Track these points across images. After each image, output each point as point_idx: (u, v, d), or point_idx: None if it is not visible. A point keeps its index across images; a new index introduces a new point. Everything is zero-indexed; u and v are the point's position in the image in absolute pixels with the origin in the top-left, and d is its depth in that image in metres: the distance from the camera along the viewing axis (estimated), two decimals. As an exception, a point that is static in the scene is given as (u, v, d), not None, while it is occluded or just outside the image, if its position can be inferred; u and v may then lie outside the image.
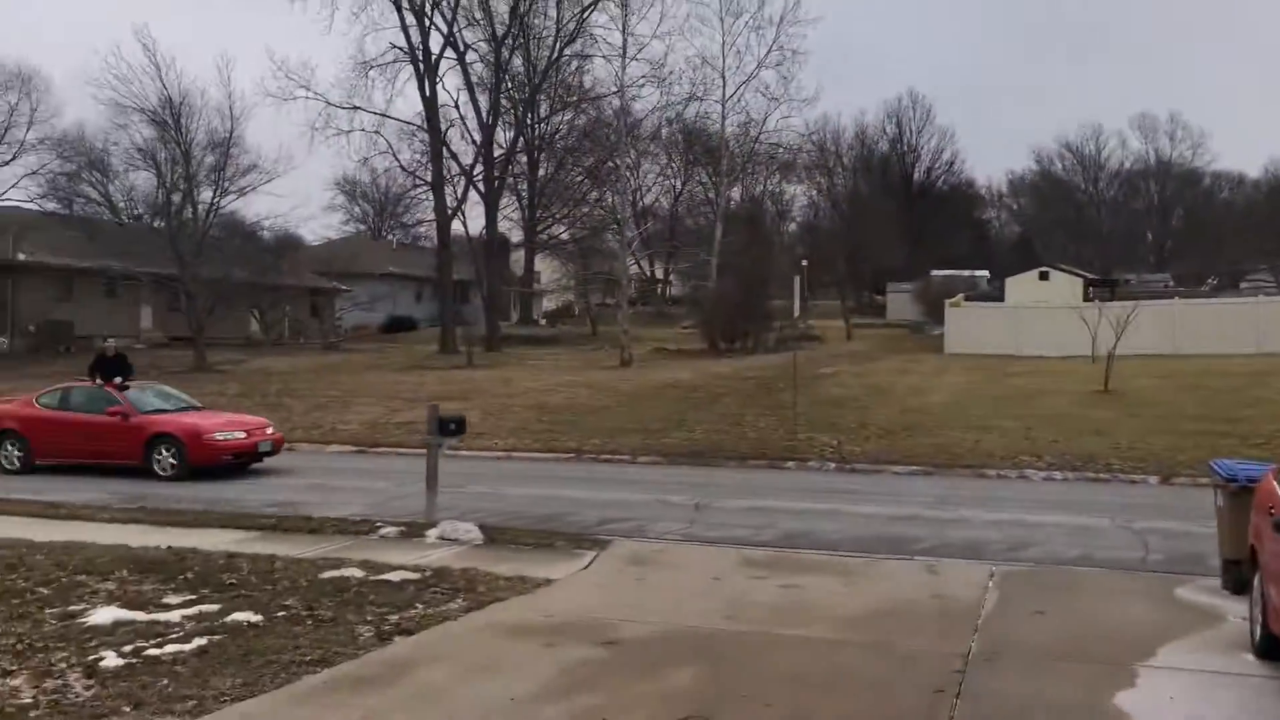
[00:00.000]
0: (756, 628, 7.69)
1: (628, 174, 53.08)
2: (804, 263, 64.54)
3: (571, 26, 46.08)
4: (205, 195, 36.05)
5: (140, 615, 7.79)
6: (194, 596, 8.46)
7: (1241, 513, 8.06)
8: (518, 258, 60.70)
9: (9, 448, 17.68)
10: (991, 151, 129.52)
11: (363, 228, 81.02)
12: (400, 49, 43.70)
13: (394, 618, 7.82)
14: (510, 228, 56.24)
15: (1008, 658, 6.90)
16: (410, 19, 43.54)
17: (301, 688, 6.25)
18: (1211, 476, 9.35)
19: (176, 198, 36.08)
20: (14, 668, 6.49)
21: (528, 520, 12.74)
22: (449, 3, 44.60)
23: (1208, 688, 6.30)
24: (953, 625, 7.73)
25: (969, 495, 14.92)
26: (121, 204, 39.84)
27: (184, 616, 7.81)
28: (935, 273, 58.23)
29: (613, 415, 23.74)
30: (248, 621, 7.63)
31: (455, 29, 44.84)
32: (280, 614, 7.89)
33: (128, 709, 5.79)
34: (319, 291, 51.65)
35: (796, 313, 24.74)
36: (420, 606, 8.20)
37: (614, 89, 42.18)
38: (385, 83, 60.59)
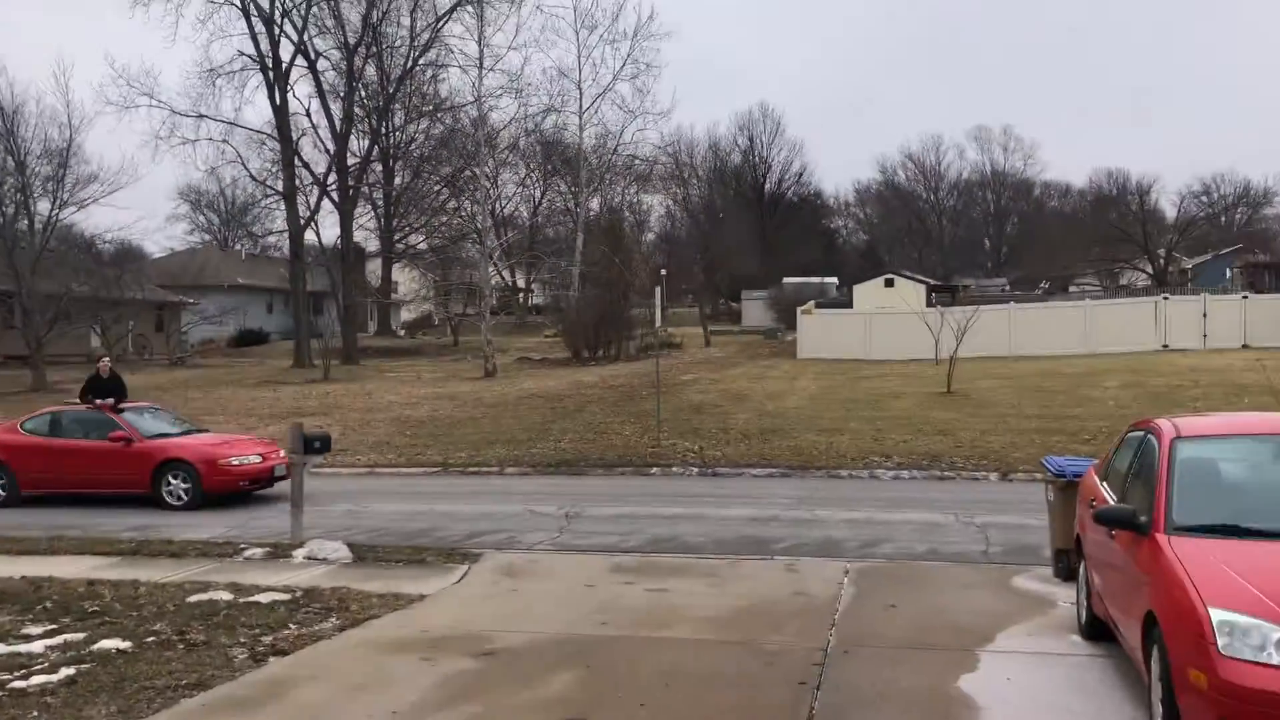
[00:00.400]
0: (628, 631, 7.99)
1: (486, 183, 52.95)
2: (663, 272, 65.59)
3: (426, 36, 45.87)
4: (43, 207, 34.41)
5: (0, 648, 7.59)
6: (55, 626, 8.26)
7: (1069, 505, 8.78)
8: (374, 268, 59.79)
9: None
10: (839, 162, 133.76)
11: (209, 238, 78.52)
12: (249, 56, 42.77)
13: (267, 639, 7.82)
14: (366, 237, 55.42)
15: (863, 649, 7.37)
16: (259, 26, 42.64)
17: (180, 711, 6.24)
18: (1044, 472, 10.11)
19: (10, 209, 34.34)
20: None
21: (396, 537, 12.76)
22: (299, 10, 43.83)
23: (1040, 667, 6.89)
24: (812, 621, 8.18)
25: (824, 496, 15.59)
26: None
27: (47, 646, 7.64)
28: (788, 280, 59.88)
29: (478, 427, 23.78)
30: (116, 648, 7.52)
31: (306, 36, 44.13)
32: (150, 639, 7.80)
33: (4, 746, 5.71)
34: (164, 305, 49.83)
35: (658, 321, 25.21)
36: (293, 627, 8.21)
37: (471, 99, 42.11)
38: (234, 91, 59.37)
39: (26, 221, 34.32)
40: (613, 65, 49.26)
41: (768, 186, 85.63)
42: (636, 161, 61.11)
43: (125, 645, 7.63)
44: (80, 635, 7.93)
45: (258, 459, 16.11)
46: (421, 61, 47.60)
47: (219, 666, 7.15)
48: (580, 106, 49.87)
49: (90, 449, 16.13)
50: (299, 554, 11.24)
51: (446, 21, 44.86)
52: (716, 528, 13.14)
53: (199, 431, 17.57)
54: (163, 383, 34.74)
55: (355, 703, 6.39)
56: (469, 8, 41.19)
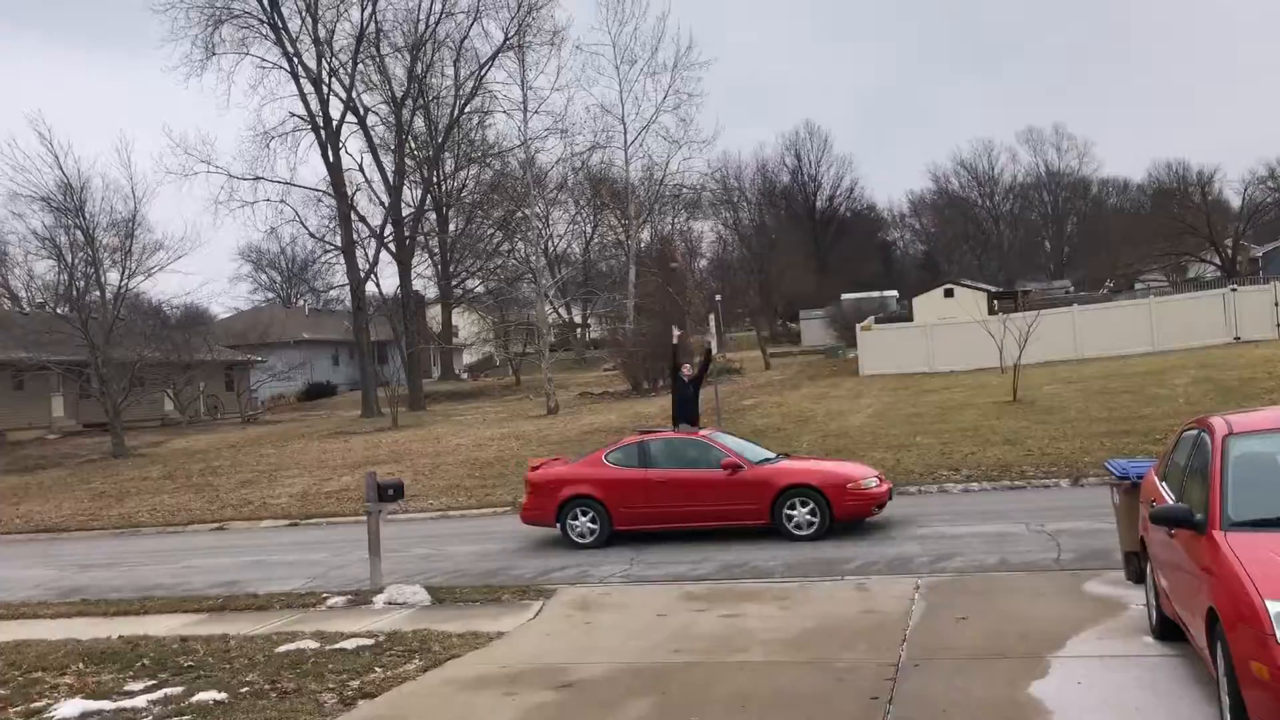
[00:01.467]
0: (702, 658, 8.15)
1: (538, 223, 53.75)
2: (717, 298, 65.82)
3: (470, 85, 46.76)
4: (112, 278, 35.66)
5: (106, 704, 7.97)
6: (154, 681, 8.63)
7: (1133, 508, 8.77)
8: (435, 314, 60.82)
9: (580, 517, 14.76)
10: (890, 174, 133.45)
11: (272, 296, 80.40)
12: (300, 117, 43.91)
13: (355, 683, 8.12)
14: (425, 285, 56.48)
15: (934, 662, 7.46)
16: (308, 87, 43.78)
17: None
18: (1108, 476, 10.10)
19: (81, 283, 35.64)
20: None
21: (472, 577, 13.04)
22: (345, 69, 44.96)
23: (1111, 669, 6.94)
24: (883, 637, 8.27)
25: (892, 514, 15.57)
26: (23, 293, 39.24)
27: (149, 701, 8.01)
28: (846, 296, 59.78)
29: (544, 465, 24.05)
30: (213, 700, 7.86)
31: (354, 94, 45.19)
32: (244, 690, 8.13)
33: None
34: (233, 365, 51.14)
35: (714, 348, 25.35)
36: (379, 670, 8.50)
37: (518, 143, 42.81)
38: (288, 151, 60.95)
39: (98, 293, 35.52)
40: (655, 98, 49.90)
41: (819, 204, 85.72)
42: (685, 190, 61.72)
43: (222, 696, 7.97)
44: (178, 689, 8.28)
45: (876, 482, 14.45)
46: (468, 109, 48.64)
47: (310, 712, 7.45)
48: (625, 141, 50.50)
49: (695, 480, 14.56)
50: (379, 599, 11.58)
51: (489, 69, 45.84)
52: (786, 552, 13.21)
53: (784, 456, 15.96)
54: (236, 440, 35.67)
55: (443, 740, 6.65)
56: (510, 54, 42.01)
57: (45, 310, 40.65)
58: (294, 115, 43.94)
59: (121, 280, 35.34)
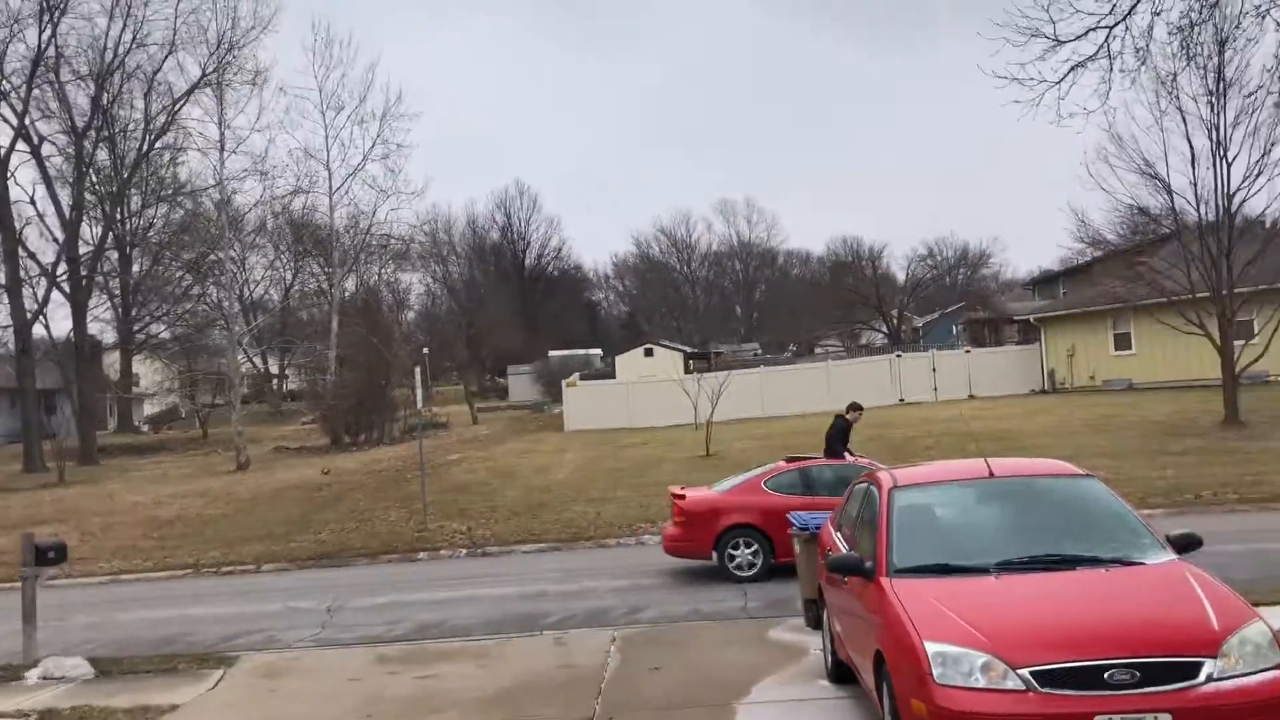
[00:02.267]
0: (394, 721, 7.88)
1: (232, 267, 51.00)
2: (425, 350, 64.98)
3: (162, 119, 44.11)
4: None
5: None
6: None
7: (813, 556, 9.36)
8: (113, 360, 56.15)
9: (742, 548, 13.66)
10: (597, 236, 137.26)
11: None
12: (-40, 142, 39.70)
13: (-2, 771, 7.25)
14: (103, 329, 52.10)
15: (627, 715, 7.59)
16: (-27, 110, 39.74)
17: None
18: (791, 528, 10.72)
19: None
20: None
21: (145, 645, 12.03)
22: (19, 93, 41.19)
23: (792, 713, 7.31)
24: (579, 692, 8.32)
25: (591, 567, 15.81)
26: None
27: None
28: (553, 353, 60.64)
29: (232, 524, 22.69)
30: None
31: (27, 120, 41.42)
32: None
33: None
34: None
35: (420, 402, 24.89)
36: (28, 756, 7.63)
37: (213, 182, 40.69)
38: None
39: None
40: (363, 145, 49.07)
41: (528, 261, 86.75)
42: (392, 240, 60.76)
43: None
44: None
45: None
46: (158, 145, 45.80)
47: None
48: (330, 187, 49.18)
49: None
50: (33, 674, 10.44)
51: (184, 104, 43.44)
52: (487, 608, 13.08)
53: None
54: None
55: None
56: (208, 90, 40.02)
57: None
58: (-47, 140, 39.72)
59: None
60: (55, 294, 42.85)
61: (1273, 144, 23.62)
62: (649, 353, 48.01)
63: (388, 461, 30.55)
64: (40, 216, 43.38)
